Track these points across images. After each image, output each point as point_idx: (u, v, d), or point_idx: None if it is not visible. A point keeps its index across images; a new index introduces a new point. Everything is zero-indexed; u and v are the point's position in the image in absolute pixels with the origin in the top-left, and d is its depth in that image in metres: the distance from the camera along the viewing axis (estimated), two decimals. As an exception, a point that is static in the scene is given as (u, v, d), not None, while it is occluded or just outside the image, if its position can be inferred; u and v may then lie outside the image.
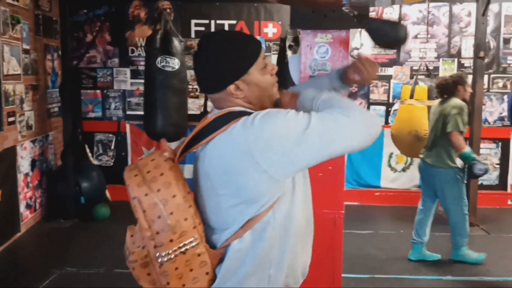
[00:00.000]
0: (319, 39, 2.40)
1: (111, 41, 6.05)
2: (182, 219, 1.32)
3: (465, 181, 4.11)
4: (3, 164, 4.52)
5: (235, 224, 1.39)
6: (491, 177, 6.04)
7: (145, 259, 1.37)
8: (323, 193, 2.42)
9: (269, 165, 1.31)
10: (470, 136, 5.32)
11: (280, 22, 5.96)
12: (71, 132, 5.45)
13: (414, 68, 5.79)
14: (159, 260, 1.32)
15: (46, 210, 5.47)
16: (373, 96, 6.07)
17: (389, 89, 6.07)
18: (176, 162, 1.41)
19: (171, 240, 1.31)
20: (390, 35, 2.08)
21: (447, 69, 5.98)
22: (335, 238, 2.55)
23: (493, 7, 5.79)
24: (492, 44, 5.94)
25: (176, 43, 4.37)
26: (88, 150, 5.82)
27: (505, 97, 5.92)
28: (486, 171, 3.89)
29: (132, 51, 6.05)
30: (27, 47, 5.06)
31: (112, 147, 6.19)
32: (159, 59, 4.28)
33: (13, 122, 4.73)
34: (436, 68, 5.97)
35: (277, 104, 1.53)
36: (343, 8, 1.97)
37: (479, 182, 5.47)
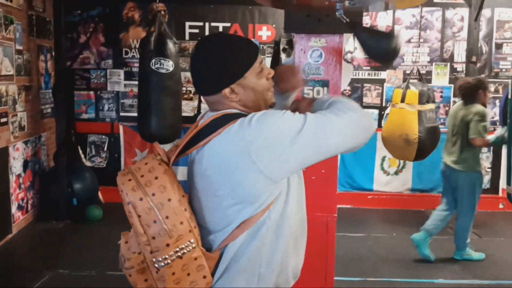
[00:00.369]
0: (313, 43, 2.41)
1: (105, 42, 6.04)
2: (178, 222, 1.31)
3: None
4: (-5, 165, 4.50)
5: (231, 224, 1.39)
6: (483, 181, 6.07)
7: (141, 264, 1.37)
8: (316, 197, 2.42)
9: (265, 165, 1.33)
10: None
11: (274, 25, 5.98)
12: (64, 133, 5.44)
13: (407, 72, 5.83)
14: (156, 265, 1.31)
15: (38, 211, 5.44)
16: (366, 100, 6.10)
17: (382, 92, 6.10)
18: (170, 165, 1.41)
19: (167, 245, 1.30)
20: (378, 49, 2.00)
21: (439, 74, 6.02)
22: (327, 241, 2.56)
23: (486, 12, 5.84)
24: (485, 49, 5.99)
25: (171, 45, 4.37)
26: (81, 152, 5.80)
27: (497, 101, 5.97)
28: None
29: (126, 53, 6.04)
30: (20, 47, 5.04)
31: (105, 148, 6.17)
32: (153, 61, 4.28)
33: (5, 123, 4.70)
34: (429, 72, 6.01)
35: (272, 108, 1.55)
36: (336, 14, 1.98)
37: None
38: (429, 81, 5.94)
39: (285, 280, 1.49)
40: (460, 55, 5.98)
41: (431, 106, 4.34)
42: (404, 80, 5.80)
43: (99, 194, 5.74)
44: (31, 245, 4.80)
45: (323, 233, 2.54)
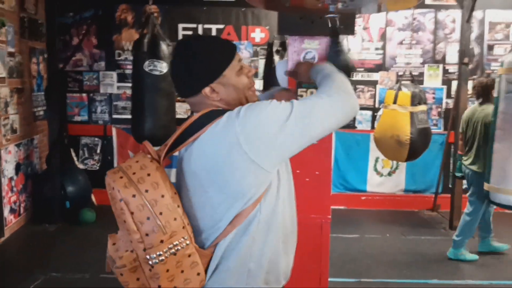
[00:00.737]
0: (306, 45, 2.41)
1: (97, 45, 6.01)
2: (172, 219, 1.32)
3: None
4: (-13, 168, 4.47)
5: (223, 221, 1.40)
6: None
7: (134, 263, 1.35)
8: (310, 198, 2.44)
9: (256, 154, 1.34)
10: (455, 140, 5.40)
11: (267, 27, 5.99)
12: (57, 136, 5.40)
13: (400, 73, 5.86)
14: (150, 262, 1.30)
15: (31, 214, 5.41)
16: (359, 101, 6.11)
17: (375, 94, 6.12)
18: (161, 163, 1.41)
19: (161, 241, 1.30)
20: (337, 61, 2.17)
21: (432, 75, 6.05)
22: (321, 242, 2.56)
23: (477, 14, 5.88)
24: (476, 50, 6.03)
25: (164, 47, 4.36)
26: (73, 154, 5.77)
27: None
28: None
29: (119, 55, 6.02)
30: (12, 50, 5.01)
31: (98, 151, 6.14)
32: (146, 63, 4.26)
33: (-3, 126, 4.68)
34: (421, 74, 6.04)
35: None
36: (326, 16, 2.00)
37: (464, 187, 5.53)
38: (422, 82, 5.97)
39: (275, 279, 1.49)
40: (452, 56, 6.02)
41: (423, 107, 4.36)
42: (397, 81, 5.83)
43: (92, 196, 5.71)
44: (24, 248, 4.76)
45: (317, 235, 2.55)
